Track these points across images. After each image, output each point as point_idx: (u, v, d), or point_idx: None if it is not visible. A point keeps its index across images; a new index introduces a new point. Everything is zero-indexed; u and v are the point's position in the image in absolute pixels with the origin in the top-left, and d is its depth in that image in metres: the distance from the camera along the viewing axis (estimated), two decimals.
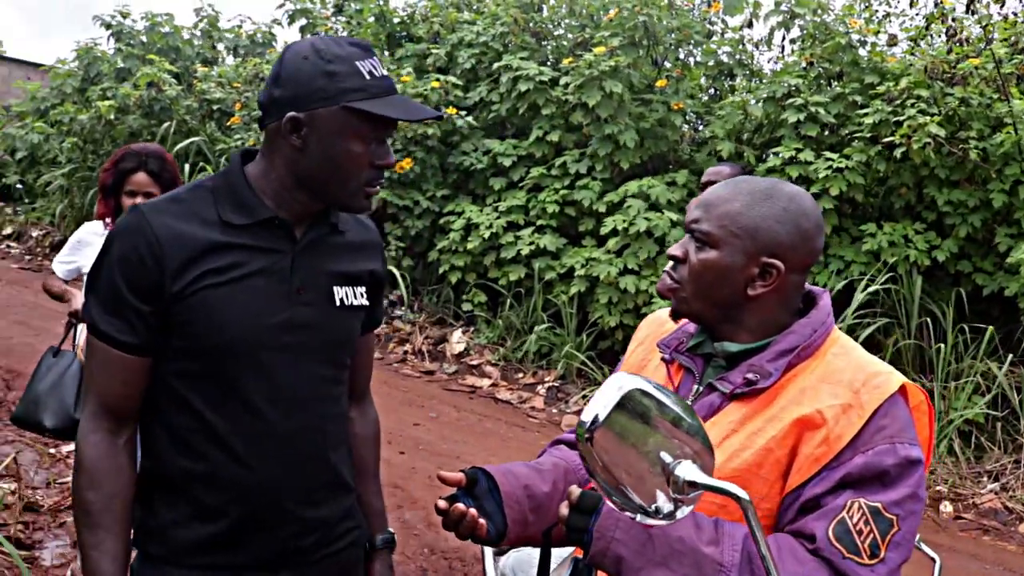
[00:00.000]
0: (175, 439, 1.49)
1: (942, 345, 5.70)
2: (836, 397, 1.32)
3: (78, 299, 3.17)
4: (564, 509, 1.32)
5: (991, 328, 5.65)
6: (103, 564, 1.42)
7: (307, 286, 1.53)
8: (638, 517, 1.12)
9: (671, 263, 1.47)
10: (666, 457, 1.11)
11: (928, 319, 5.91)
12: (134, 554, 1.55)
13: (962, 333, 5.79)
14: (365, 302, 1.64)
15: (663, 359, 1.56)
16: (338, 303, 1.57)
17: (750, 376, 1.38)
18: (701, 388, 1.46)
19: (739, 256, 1.39)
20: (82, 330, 3.20)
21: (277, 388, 1.50)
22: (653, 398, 1.12)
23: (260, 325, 1.47)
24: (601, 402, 1.10)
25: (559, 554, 1.84)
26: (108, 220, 3.18)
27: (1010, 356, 5.55)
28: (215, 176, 1.54)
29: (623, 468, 1.10)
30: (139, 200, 3.01)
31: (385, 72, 1.47)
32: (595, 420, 1.09)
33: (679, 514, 1.12)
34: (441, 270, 7.76)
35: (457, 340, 7.52)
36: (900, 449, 1.28)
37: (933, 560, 1.83)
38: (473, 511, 1.43)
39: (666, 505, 1.12)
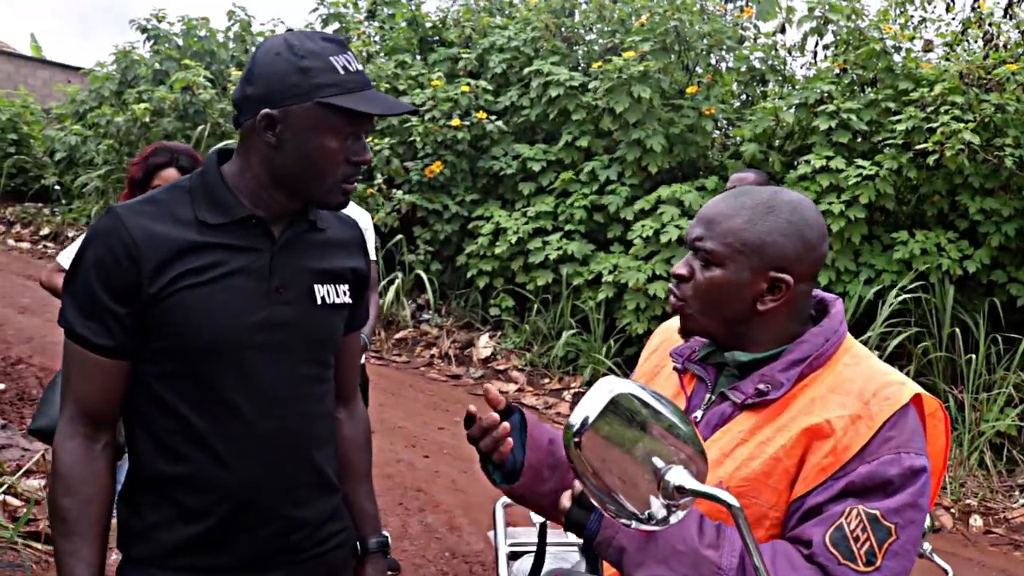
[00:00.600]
0: (156, 441, 1.47)
1: (973, 356, 5.60)
2: (845, 407, 1.31)
3: None
4: (566, 501, 1.33)
5: None
6: (78, 571, 1.41)
7: (287, 284, 1.50)
8: (633, 524, 1.10)
9: (675, 281, 1.46)
10: (658, 462, 1.09)
11: (960, 329, 5.80)
12: (113, 557, 1.53)
13: (995, 344, 5.68)
14: (348, 300, 1.61)
15: (675, 368, 1.56)
16: (319, 301, 1.55)
17: (761, 386, 1.38)
18: (713, 397, 1.46)
19: (746, 273, 1.38)
20: None
21: (257, 388, 1.47)
22: (644, 402, 1.09)
23: (239, 325, 1.45)
24: (590, 405, 1.07)
25: (571, 559, 1.84)
26: None
27: None
28: (192, 176, 1.53)
29: (615, 474, 1.08)
30: None
31: (360, 67, 1.45)
32: (584, 423, 1.06)
33: (672, 519, 1.11)
34: (469, 274, 7.78)
35: (484, 345, 7.53)
36: (905, 459, 1.27)
37: (945, 572, 1.81)
38: (506, 424, 1.44)
39: (660, 511, 1.10)
